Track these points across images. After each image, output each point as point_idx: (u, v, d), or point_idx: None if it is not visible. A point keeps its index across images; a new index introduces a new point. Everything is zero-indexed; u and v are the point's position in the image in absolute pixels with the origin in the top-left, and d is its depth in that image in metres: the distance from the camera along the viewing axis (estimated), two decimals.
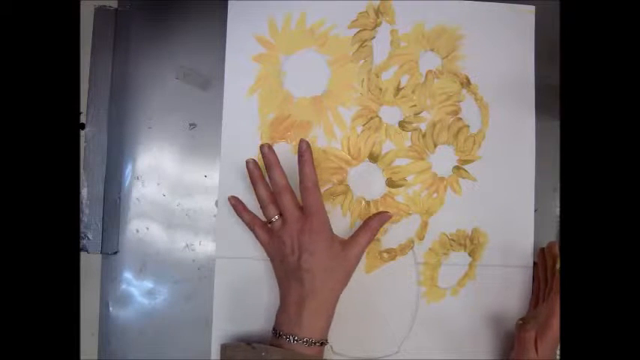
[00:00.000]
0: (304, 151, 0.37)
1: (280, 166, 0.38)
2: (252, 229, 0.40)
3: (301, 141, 0.37)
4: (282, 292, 0.38)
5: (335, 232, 0.43)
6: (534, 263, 0.44)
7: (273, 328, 0.37)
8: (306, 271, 0.36)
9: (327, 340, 0.37)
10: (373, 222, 0.40)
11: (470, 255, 0.44)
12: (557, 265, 0.41)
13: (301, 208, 0.38)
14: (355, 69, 0.44)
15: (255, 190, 0.40)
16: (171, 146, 0.43)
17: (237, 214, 0.41)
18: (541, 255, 0.44)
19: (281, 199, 0.38)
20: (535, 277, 0.44)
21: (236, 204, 0.41)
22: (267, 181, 0.40)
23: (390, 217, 0.41)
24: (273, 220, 0.39)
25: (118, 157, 0.43)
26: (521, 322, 0.39)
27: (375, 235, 0.40)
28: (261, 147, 0.38)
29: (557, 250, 0.43)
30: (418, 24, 0.45)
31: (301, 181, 0.37)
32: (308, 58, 0.44)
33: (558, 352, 0.41)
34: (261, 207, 0.40)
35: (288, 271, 0.37)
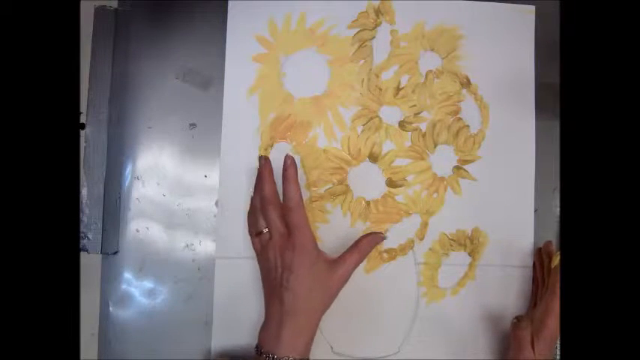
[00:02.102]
0: (288, 166, 0.37)
1: (272, 180, 0.38)
2: (250, 234, 0.40)
3: (287, 157, 0.37)
4: (266, 308, 0.38)
5: (335, 233, 0.43)
6: (533, 264, 0.44)
7: (256, 345, 0.36)
8: (287, 289, 0.36)
9: (308, 359, 0.36)
10: (364, 243, 0.38)
11: (470, 255, 0.44)
12: (553, 265, 0.41)
13: (286, 224, 0.37)
14: (355, 69, 0.44)
15: (254, 195, 0.39)
16: (171, 146, 0.43)
17: (249, 212, 0.40)
18: (538, 255, 0.44)
19: (267, 214, 0.38)
20: (534, 279, 0.44)
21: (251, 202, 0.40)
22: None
23: (383, 238, 0.40)
24: (263, 231, 0.38)
25: (118, 157, 0.43)
26: (515, 320, 0.39)
27: (364, 257, 0.39)
28: (260, 158, 0.38)
29: (552, 248, 0.43)
30: (418, 24, 0.45)
31: (284, 199, 0.37)
32: (308, 58, 0.44)
33: (558, 352, 0.42)
34: (251, 216, 0.39)
35: (271, 288, 0.37)
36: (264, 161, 0.38)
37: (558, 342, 0.41)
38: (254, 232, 0.39)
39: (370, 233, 0.39)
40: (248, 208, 0.41)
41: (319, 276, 0.37)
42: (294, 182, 0.37)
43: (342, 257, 0.38)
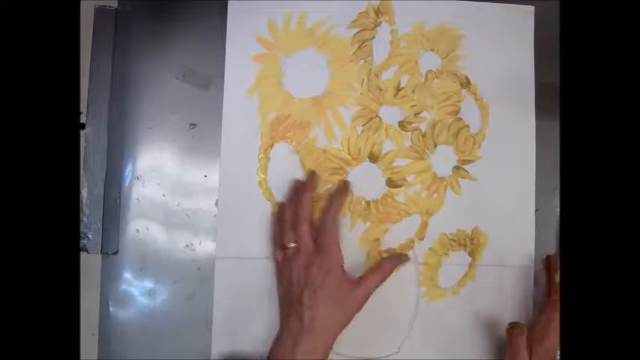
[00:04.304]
0: (342, 188, 0.38)
1: (311, 194, 0.38)
2: (274, 244, 0.40)
3: (344, 182, 0.40)
4: (281, 321, 0.37)
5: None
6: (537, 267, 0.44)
7: (268, 357, 0.36)
8: (308, 307, 0.35)
9: None
10: (387, 263, 0.38)
11: (470, 255, 0.44)
12: (556, 281, 0.40)
13: (316, 241, 0.37)
14: (355, 69, 0.44)
15: (282, 210, 0.40)
16: (171, 146, 0.43)
17: (276, 221, 0.40)
18: (547, 263, 0.43)
19: (298, 228, 0.38)
20: (537, 281, 0.44)
21: (281, 212, 0.40)
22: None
23: (408, 259, 0.39)
24: (289, 246, 0.38)
25: (118, 157, 0.43)
26: (509, 327, 0.39)
27: (386, 278, 0.38)
28: (311, 172, 0.40)
29: (557, 261, 0.42)
30: (418, 24, 0.45)
31: (323, 212, 0.37)
32: (308, 58, 0.44)
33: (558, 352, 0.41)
34: (280, 230, 0.39)
35: (290, 302, 0.37)
36: (311, 176, 0.39)
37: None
38: (279, 245, 0.39)
39: (394, 255, 0.39)
40: (273, 217, 0.40)
41: (341, 296, 0.36)
42: (341, 201, 0.38)
43: (364, 278, 0.37)
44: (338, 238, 0.37)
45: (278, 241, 0.40)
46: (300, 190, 0.38)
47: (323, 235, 0.37)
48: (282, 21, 0.44)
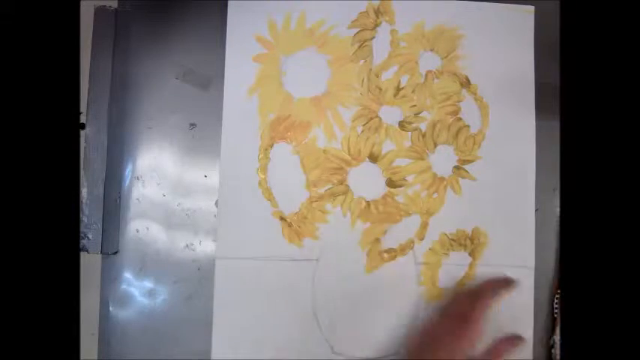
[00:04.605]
0: (507, 282, 0.42)
1: (489, 289, 0.41)
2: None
3: (511, 281, 0.42)
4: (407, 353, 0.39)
5: (335, 233, 0.43)
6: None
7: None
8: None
9: None
10: (501, 345, 0.40)
11: (470, 255, 0.44)
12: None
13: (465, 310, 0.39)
14: (355, 69, 0.44)
15: (488, 286, 0.43)
16: (172, 146, 0.43)
17: None
18: None
19: (459, 297, 0.41)
20: None
21: None
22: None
23: (523, 342, 0.41)
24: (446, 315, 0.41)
25: (118, 157, 0.43)
26: None
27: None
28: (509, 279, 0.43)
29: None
30: (418, 24, 0.45)
31: (481, 292, 0.41)
32: (308, 58, 0.44)
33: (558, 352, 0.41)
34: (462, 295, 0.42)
35: (421, 348, 0.38)
36: (502, 284, 0.43)
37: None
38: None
39: (507, 338, 0.41)
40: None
41: None
42: (500, 291, 0.41)
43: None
44: (484, 317, 0.38)
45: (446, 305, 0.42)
46: (490, 283, 0.42)
47: (473, 310, 0.38)
48: (282, 21, 0.44)
